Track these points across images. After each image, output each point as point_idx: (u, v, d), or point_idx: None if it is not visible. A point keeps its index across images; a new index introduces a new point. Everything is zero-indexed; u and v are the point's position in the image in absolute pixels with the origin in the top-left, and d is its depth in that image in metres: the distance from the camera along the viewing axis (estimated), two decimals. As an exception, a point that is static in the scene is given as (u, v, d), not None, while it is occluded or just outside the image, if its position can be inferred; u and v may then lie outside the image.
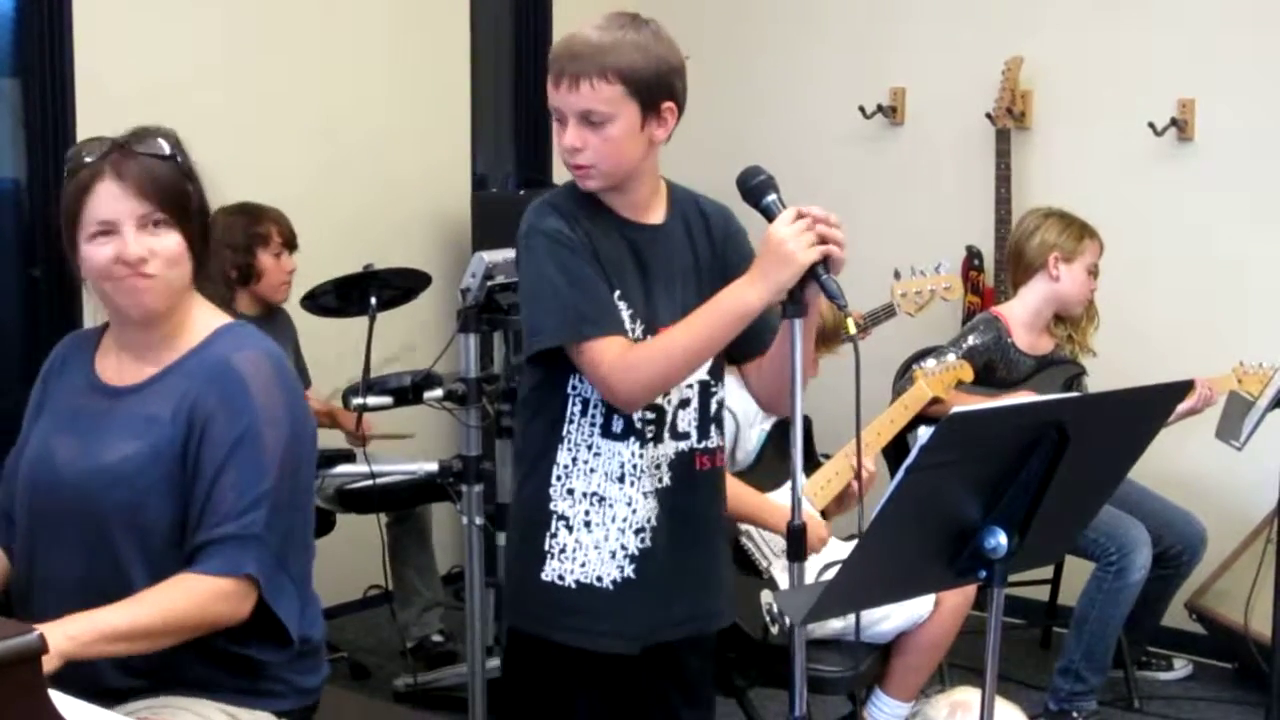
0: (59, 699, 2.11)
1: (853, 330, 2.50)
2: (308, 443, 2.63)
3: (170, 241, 2.53)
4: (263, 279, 4.63)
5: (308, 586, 2.64)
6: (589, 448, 2.75)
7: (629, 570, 2.77)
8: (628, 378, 2.64)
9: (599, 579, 2.76)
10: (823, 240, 2.51)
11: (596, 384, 2.69)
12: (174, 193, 2.54)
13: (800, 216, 2.53)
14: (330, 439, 4.83)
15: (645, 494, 2.76)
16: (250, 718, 2.58)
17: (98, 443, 2.54)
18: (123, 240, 2.50)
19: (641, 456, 2.75)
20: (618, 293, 2.70)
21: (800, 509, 2.51)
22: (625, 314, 2.70)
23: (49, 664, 2.17)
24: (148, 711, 2.50)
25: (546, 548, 2.77)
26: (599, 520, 2.75)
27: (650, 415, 2.75)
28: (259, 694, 2.59)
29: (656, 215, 2.78)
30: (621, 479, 2.75)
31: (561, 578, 2.76)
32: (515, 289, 3.60)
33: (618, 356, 2.63)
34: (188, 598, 2.45)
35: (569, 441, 2.75)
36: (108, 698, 2.47)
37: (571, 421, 2.75)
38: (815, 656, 3.58)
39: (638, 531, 2.76)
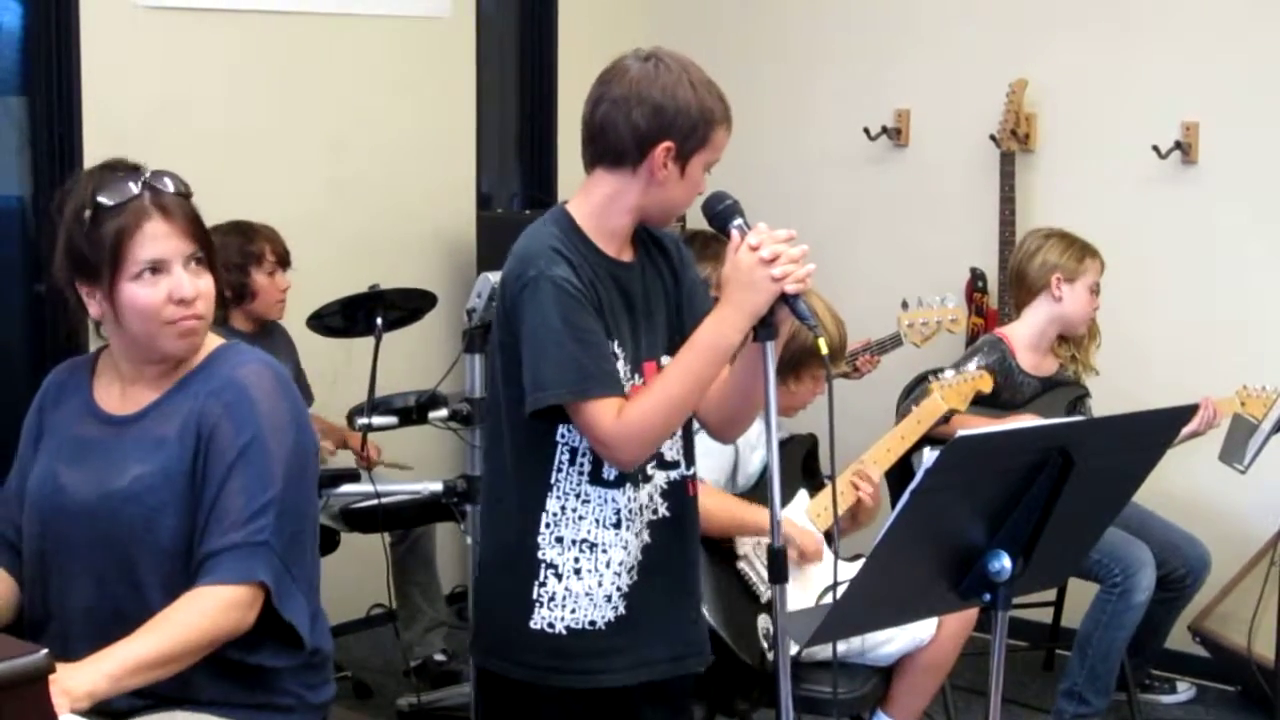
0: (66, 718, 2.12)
1: (824, 350, 2.50)
2: (311, 452, 2.64)
3: (209, 282, 2.57)
4: (257, 297, 4.64)
5: (315, 594, 2.64)
6: (577, 495, 2.72)
7: (621, 608, 2.75)
8: (628, 441, 2.61)
9: (592, 623, 2.73)
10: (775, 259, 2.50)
11: (595, 445, 2.65)
12: (204, 233, 2.58)
13: (760, 243, 2.52)
14: (337, 459, 4.84)
15: (637, 533, 2.75)
16: None
17: (107, 469, 2.55)
18: (176, 280, 2.51)
19: (634, 500, 2.74)
20: (615, 342, 2.68)
21: (779, 531, 2.49)
22: (620, 359, 2.68)
23: (83, 704, 2.22)
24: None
25: (535, 596, 2.73)
26: (590, 567, 2.72)
27: None
28: (268, 708, 2.59)
29: (629, 251, 2.77)
30: (618, 524, 2.73)
31: (551, 625, 2.72)
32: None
33: (615, 419, 2.59)
34: (201, 615, 2.45)
35: (558, 490, 2.71)
36: (113, 716, 2.47)
37: (560, 470, 2.71)
38: (817, 679, 3.57)
39: (630, 570, 2.75)
